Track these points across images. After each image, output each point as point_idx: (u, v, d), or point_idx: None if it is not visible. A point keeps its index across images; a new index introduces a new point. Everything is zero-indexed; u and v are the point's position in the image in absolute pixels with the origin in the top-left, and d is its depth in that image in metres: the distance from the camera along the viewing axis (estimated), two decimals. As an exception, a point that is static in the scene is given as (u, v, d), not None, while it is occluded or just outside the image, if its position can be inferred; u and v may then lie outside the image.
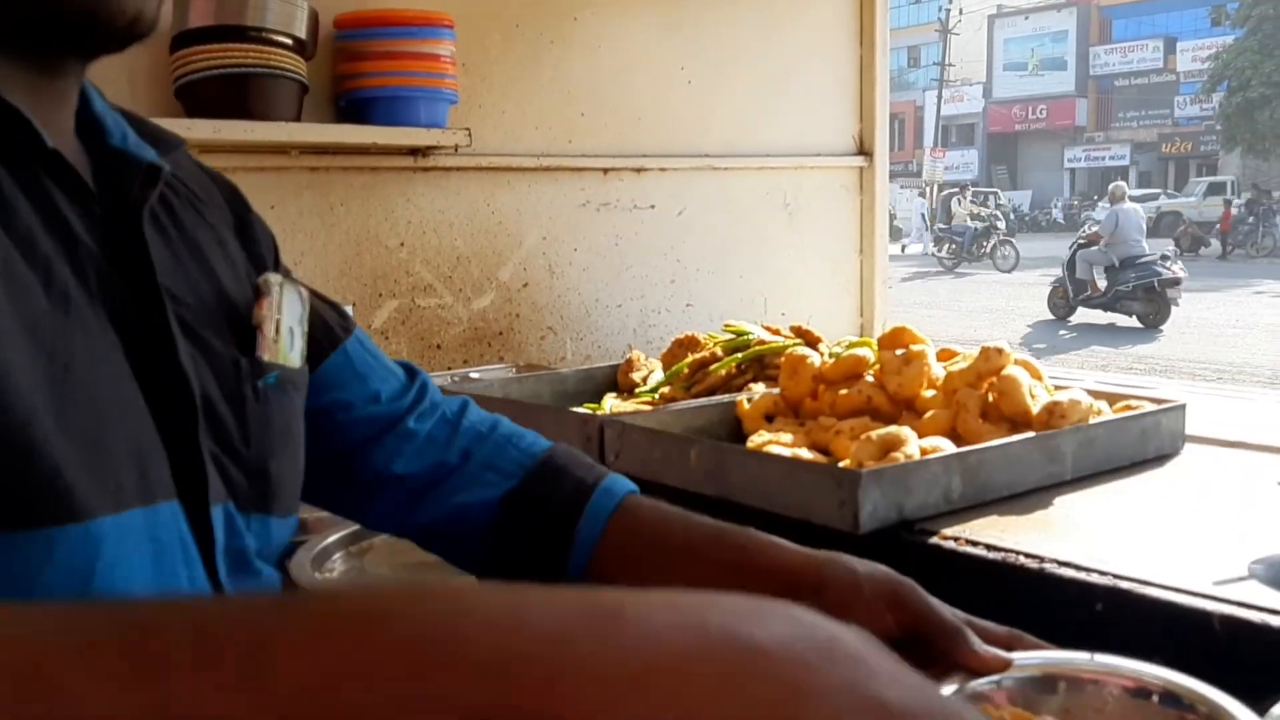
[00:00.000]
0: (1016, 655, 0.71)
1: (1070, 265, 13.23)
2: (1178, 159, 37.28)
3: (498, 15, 2.13)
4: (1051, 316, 13.62)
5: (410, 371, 0.92)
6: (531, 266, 2.21)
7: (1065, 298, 13.31)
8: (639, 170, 2.33)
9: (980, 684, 0.70)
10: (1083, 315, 13.21)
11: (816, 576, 0.74)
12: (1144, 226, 13.11)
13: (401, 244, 2.04)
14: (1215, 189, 27.82)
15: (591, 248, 2.28)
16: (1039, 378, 1.43)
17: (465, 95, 2.02)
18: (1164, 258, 12.72)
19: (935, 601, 0.72)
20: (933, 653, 0.70)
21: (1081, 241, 13.24)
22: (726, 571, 0.77)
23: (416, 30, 1.87)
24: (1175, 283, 12.27)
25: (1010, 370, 1.36)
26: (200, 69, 1.68)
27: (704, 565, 0.79)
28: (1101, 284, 12.68)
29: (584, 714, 0.30)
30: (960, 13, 37.37)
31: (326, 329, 0.85)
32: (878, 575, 0.75)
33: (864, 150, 2.68)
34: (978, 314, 14.01)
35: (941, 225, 23.59)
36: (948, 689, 0.68)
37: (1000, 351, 1.38)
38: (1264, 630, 0.89)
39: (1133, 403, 1.44)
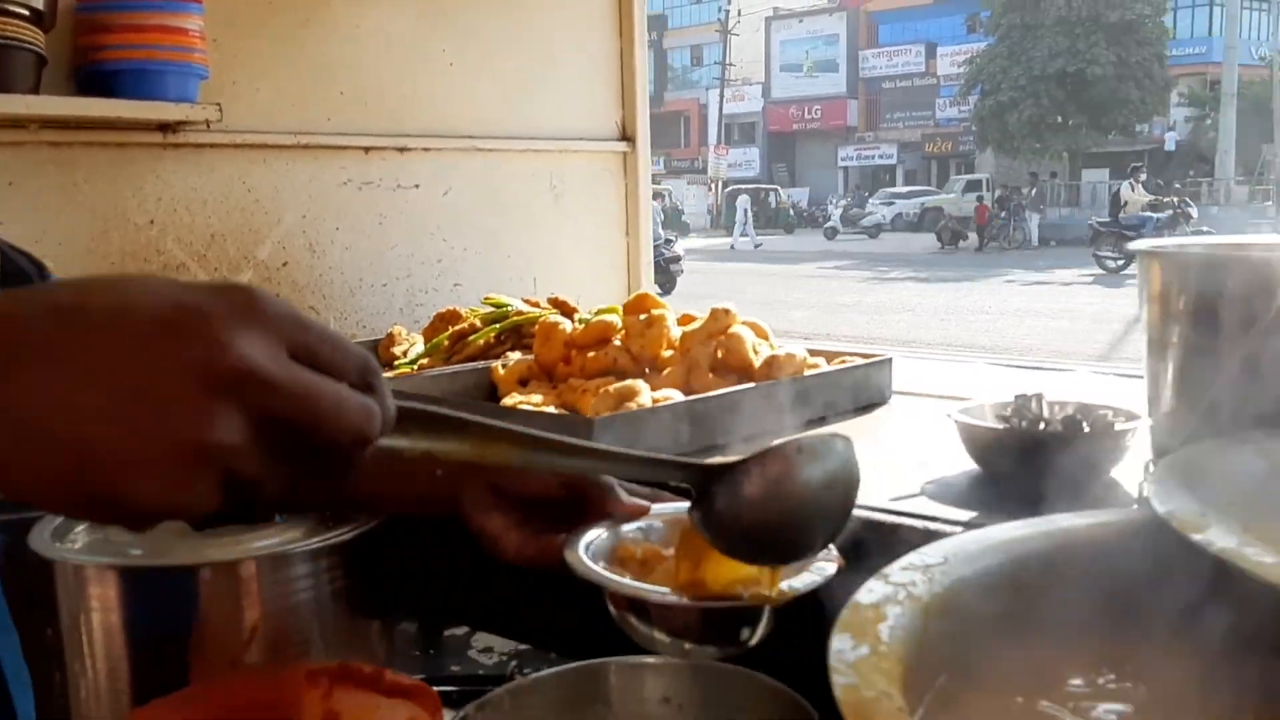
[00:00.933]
0: (657, 506, 0.88)
1: None
2: (940, 158, 39.85)
3: (249, -8, 2.11)
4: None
5: None
6: (291, 245, 2.20)
7: None
8: (402, 150, 2.35)
9: (626, 529, 0.87)
10: (631, 287, 17.16)
11: None
12: (660, 220, 16.43)
13: (151, 221, 2.00)
14: (972, 186, 29.94)
15: (354, 227, 2.29)
16: (765, 337, 1.57)
17: (217, 71, 1.99)
18: (668, 241, 15.85)
19: None
20: (588, 506, 0.87)
21: None
22: None
23: (161, 3, 1.84)
24: (676, 259, 15.64)
25: (736, 329, 1.48)
26: (-78, 36, 1.61)
27: None
28: None
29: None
30: (739, 14, 38.64)
31: (21, 280, 0.88)
32: None
33: (626, 136, 2.79)
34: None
35: (1101, 220, 18.71)
36: (595, 532, 0.86)
37: (728, 312, 1.51)
38: (929, 533, 1.03)
39: (847, 359, 1.60)
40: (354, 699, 1.18)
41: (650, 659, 1.11)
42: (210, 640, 1.23)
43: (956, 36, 38.27)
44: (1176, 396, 1.05)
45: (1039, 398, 1.13)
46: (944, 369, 2.06)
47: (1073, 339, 10.91)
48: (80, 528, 1.33)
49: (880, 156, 41.07)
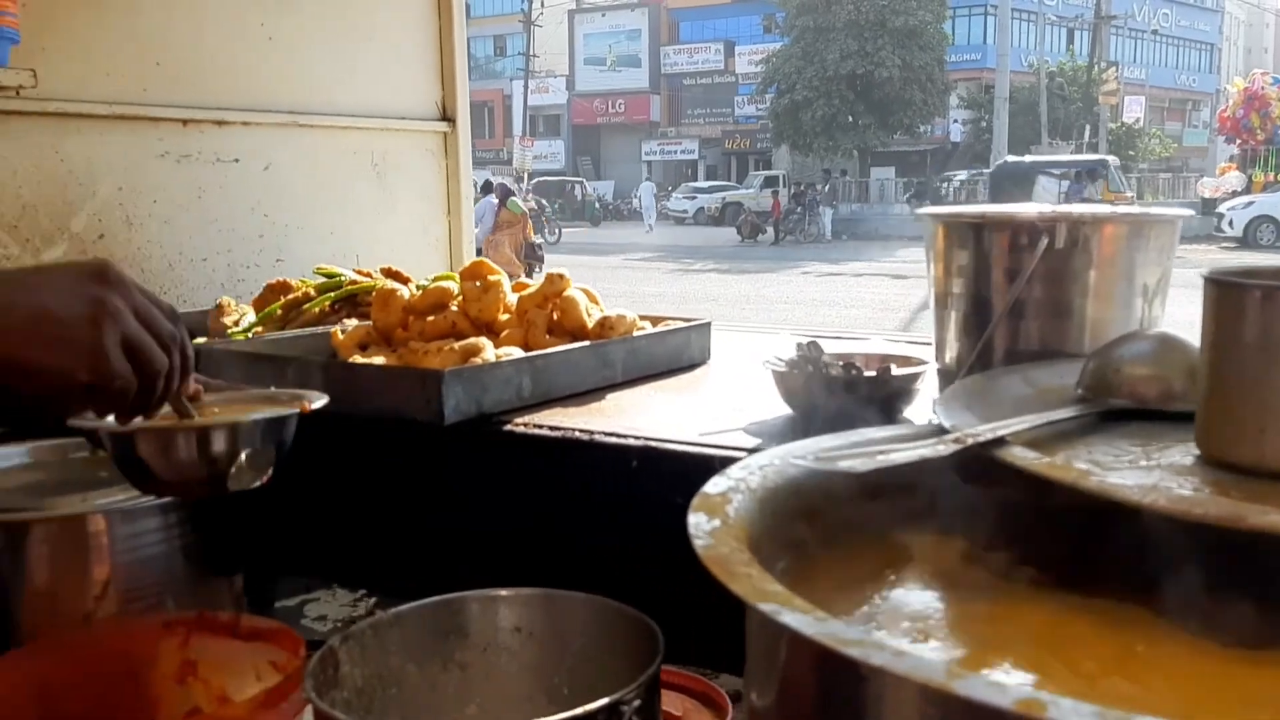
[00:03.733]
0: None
1: None
2: (739, 154, 41.02)
3: (61, -45, 2.05)
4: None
5: None
6: (107, 218, 2.15)
7: None
8: (220, 123, 2.33)
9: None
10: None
11: None
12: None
13: (-42, 190, 1.92)
14: (770, 182, 31.02)
15: (173, 200, 2.26)
16: (596, 302, 1.67)
17: (27, 36, 1.93)
18: None
19: None
20: None
21: None
22: None
23: (-31, -39, 1.78)
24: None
25: (570, 292, 1.58)
26: None
27: None
28: None
29: None
30: (543, 5, 38.63)
31: None
32: None
33: (447, 116, 2.84)
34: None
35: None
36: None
37: (561, 277, 1.60)
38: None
39: (670, 322, 1.72)
40: (212, 646, 1.22)
41: (503, 591, 1.20)
42: (59, 594, 1.24)
43: (754, 36, 39.49)
44: (959, 340, 1.21)
45: (815, 344, 1.28)
46: (754, 338, 2.22)
47: (865, 325, 11.54)
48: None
49: (682, 151, 41.95)
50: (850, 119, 31.34)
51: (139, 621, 1.24)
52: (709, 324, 1.74)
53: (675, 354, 1.65)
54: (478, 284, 1.64)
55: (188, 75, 2.27)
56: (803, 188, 27.30)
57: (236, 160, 2.37)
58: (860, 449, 0.81)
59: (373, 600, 2.26)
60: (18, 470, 1.40)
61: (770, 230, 26.60)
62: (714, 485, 0.75)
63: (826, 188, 28.23)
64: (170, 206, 2.25)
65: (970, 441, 0.79)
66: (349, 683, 1.12)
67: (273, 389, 1.17)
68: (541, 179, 35.38)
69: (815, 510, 0.81)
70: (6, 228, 1.99)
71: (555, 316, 1.57)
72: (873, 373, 1.25)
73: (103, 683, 1.19)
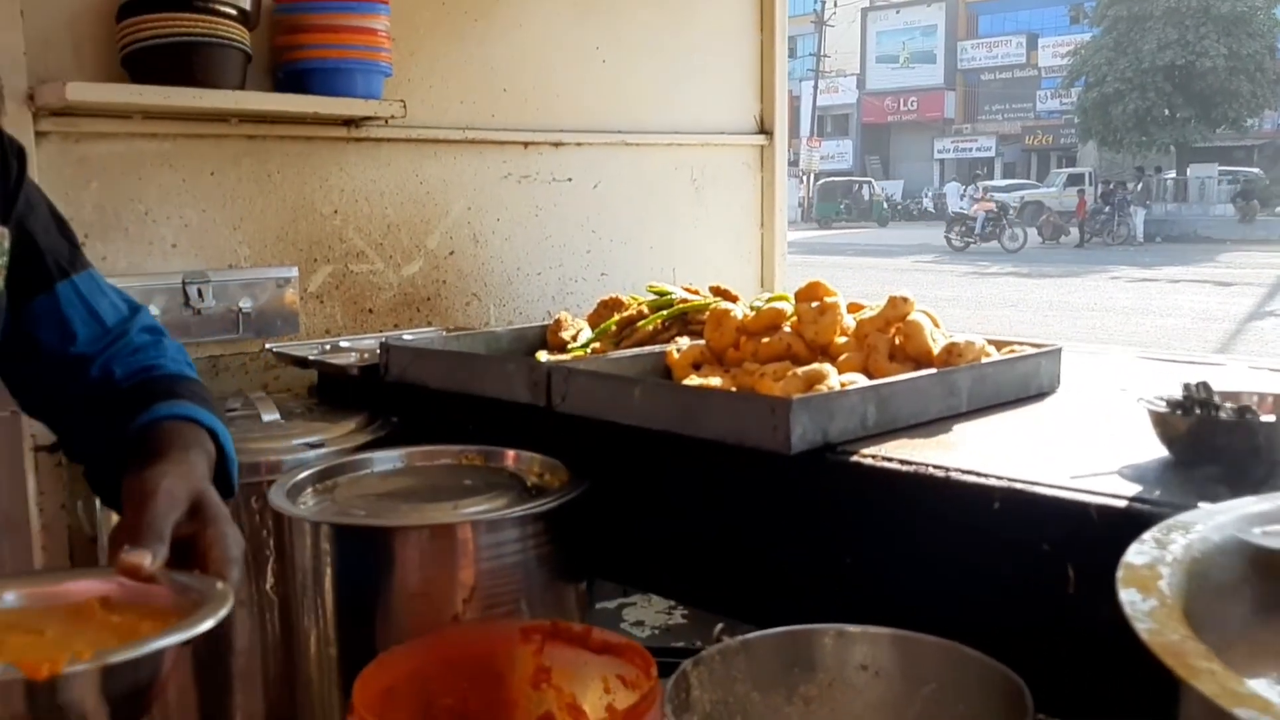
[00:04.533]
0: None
1: None
2: (1039, 151, 38.89)
3: (427, -8, 2.22)
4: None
5: (120, 326, 1.14)
6: (457, 235, 2.31)
7: None
8: (557, 145, 2.45)
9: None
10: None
11: None
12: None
13: (335, 211, 2.12)
14: (1074, 180, 29.19)
15: (513, 218, 2.40)
16: (937, 324, 1.62)
17: (396, 69, 2.11)
18: None
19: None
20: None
21: None
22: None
23: (353, 4, 1.96)
24: None
25: (915, 316, 1.54)
26: (146, 37, 1.74)
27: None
28: None
29: None
30: (835, 5, 38.22)
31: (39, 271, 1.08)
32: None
33: (765, 129, 2.85)
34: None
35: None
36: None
37: (905, 300, 1.56)
38: (1130, 514, 1.07)
39: (1016, 348, 1.64)
40: (564, 655, 1.27)
41: (852, 627, 1.18)
42: (433, 596, 1.33)
43: (1059, 27, 37.33)
44: (1381, 387, 1.07)
45: (1205, 385, 1.16)
46: (1098, 360, 2.07)
47: (1185, 337, 10.64)
48: (309, 489, 1.45)
49: (978, 149, 40.27)
50: (1167, 113, 28.98)
51: (500, 626, 1.32)
52: (1059, 350, 1.64)
53: (1023, 382, 1.57)
54: (814, 305, 1.63)
55: (529, 100, 2.40)
56: (1112, 186, 25.49)
57: (569, 179, 2.48)
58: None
59: (685, 611, 2.30)
60: (393, 475, 1.53)
61: (1074, 231, 25.05)
62: (1137, 555, 0.70)
63: (1139, 186, 26.26)
64: (511, 224, 2.39)
65: None
66: (699, 707, 1.14)
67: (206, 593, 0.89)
68: (828, 179, 35.03)
69: (1241, 585, 0.74)
70: (373, 245, 2.18)
71: (897, 341, 1.53)
72: (1271, 418, 1.13)
73: (468, 681, 1.27)
